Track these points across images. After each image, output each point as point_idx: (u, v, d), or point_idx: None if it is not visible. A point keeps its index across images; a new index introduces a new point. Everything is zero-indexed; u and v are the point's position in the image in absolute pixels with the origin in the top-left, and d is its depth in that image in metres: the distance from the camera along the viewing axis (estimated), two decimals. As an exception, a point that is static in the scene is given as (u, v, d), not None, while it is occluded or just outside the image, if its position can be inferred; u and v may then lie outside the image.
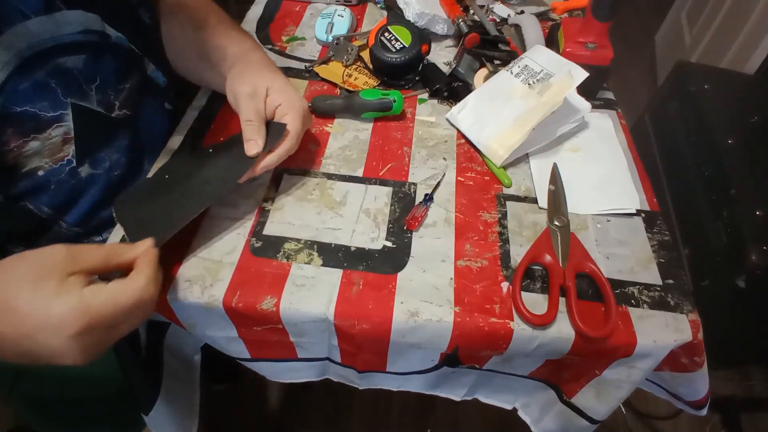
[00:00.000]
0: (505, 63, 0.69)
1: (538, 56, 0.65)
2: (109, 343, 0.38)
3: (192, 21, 0.60)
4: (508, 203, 0.56)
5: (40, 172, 0.49)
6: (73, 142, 0.50)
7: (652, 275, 0.50)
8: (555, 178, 0.57)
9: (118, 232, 0.52)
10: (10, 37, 0.42)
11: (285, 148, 0.52)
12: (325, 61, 0.73)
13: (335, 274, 0.48)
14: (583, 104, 0.61)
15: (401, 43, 0.66)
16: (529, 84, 0.63)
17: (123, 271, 0.40)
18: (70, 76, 0.48)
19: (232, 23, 0.63)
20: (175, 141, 0.61)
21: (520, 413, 0.62)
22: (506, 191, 0.57)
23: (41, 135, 0.47)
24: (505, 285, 0.48)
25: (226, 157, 0.55)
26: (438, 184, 0.57)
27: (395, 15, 0.78)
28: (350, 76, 0.71)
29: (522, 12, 0.81)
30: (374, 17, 0.84)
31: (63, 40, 0.46)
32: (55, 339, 0.34)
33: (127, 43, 0.54)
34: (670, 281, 0.50)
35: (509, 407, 0.62)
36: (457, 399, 0.61)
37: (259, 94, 0.53)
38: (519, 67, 0.65)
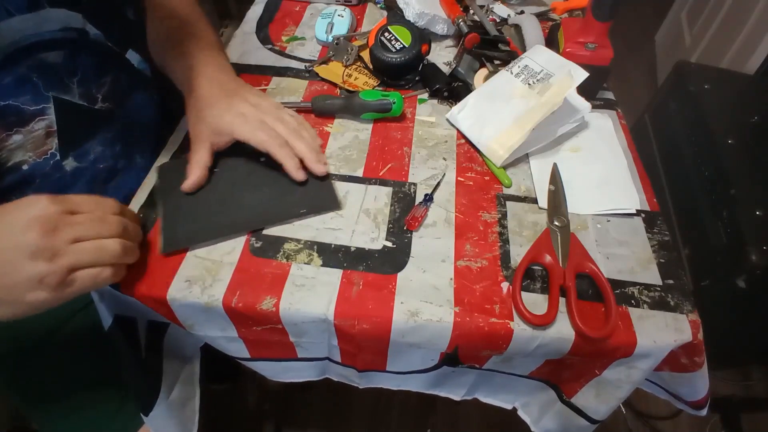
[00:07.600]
0: (505, 63, 0.69)
1: (538, 56, 0.65)
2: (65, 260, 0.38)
3: (167, 32, 0.62)
4: (508, 203, 0.56)
5: (25, 167, 0.50)
6: (56, 135, 0.51)
7: (652, 275, 0.50)
8: (555, 178, 0.57)
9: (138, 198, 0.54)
10: None
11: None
12: (325, 61, 0.73)
13: (335, 275, 0.48)
14: (583, 104, 0.61)
15: (401, 43, 0.66)
16: (529, 84, 0.63)
17: None
18: (51, 70, 0.49)
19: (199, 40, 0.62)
20: (178, 137, 0.61)
21: (520, 413, 0.62)
22: (506, 191, 0.57)
23: (24, 128, 0.48)
24: (505, 285, 0.48)
25: (280, 178, 0.54)
26: (438, 184, 0.57)
27: (395, 15, 0.78)
28: (350, 76, 0.71)
29: (522, 12, 0.81)
30: (374, 17, 0.84)
31: (43, 36, 0.47)
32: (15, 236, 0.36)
33: (104, 40, 0.54)
34: (670, 281, 0.50)
35: (509, 407, 0.62)
36: (457, 399, 0.61)
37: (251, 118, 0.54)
38: (519, 67, 0.65)
